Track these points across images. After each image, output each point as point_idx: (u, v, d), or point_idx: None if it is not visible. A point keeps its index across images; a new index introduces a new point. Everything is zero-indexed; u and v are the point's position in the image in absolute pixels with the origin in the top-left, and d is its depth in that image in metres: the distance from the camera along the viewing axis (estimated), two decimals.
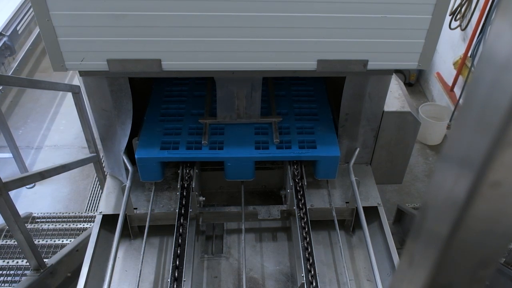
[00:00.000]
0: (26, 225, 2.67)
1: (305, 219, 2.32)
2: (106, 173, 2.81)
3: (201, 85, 2.92)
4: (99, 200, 2.65)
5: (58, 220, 3.91)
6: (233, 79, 2.47)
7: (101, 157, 3.97)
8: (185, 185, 2.45)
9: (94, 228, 2.45)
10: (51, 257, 2.85)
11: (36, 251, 2.53)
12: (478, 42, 4.30)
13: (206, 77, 2.82)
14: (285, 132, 2.57)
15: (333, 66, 2.16)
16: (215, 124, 2.65)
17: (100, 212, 2.51)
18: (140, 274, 2.19)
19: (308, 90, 2.90)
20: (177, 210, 2.34)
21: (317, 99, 2.82)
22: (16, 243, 3.01)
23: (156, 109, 2.71)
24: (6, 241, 3.35)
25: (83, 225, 3.66)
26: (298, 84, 2.94)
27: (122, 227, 2.27)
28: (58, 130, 5.16)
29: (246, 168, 2.53)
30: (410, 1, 1.97)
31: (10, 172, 4.46)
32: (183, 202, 2.37)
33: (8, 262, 2.96)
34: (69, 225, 3.64)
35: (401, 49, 2.13)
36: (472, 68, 4.46)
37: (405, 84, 5.24)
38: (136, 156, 2.39)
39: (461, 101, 4.67)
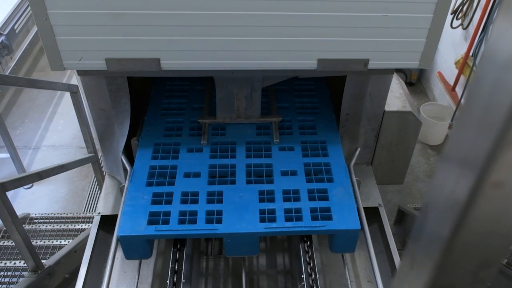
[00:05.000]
0: (23, 225, 2.65)
1: None
2: (104, 173, 2.79)
3: (198, 110, 2.70)
4: (98, 200, 2.63)
5: (56, 220, 3.89)
6: (233, 79, 2.45)
7: (99, 157, 3.95)
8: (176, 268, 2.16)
9: (93, 229, 2.43)
10: (49, 258, 2.83)
11: (34, 252, 2.51)
12: (480, 41, 4.28)
13: (203, 103, 2.71)
14: (295, 198, 2.18)
15: (333, 66, 2.14)
16: (214, 123, 2.62)
17: (99, 213, 2.50)
18: (138, 276, 2.17)
19: (315, 121, 2.64)
20: None
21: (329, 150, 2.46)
22: (13, 244, 2.99)
23: (146, 163, 2.36)
24: (4, 242, 3.33)
25: (81, 225, 3.63)
26: (304, 113, 2.69)
27: None
28: (56, 130, 5.14)
29: (250, 244, 2.12)
30: None
31: (7, 172, 4.43)
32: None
33: (5, 263, 2.94)
34: (67, 226, 3.62)
35: (402, 48, 2.11)
36: (474, 68, 4.44)
37: (406, 83, 5.22)
38: (118, 234, 2.04)
39: (462, 100, 4.65)
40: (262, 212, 2.11)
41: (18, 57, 5.53)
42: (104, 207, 2.54)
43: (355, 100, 2.49)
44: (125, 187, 2.27)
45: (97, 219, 2.47)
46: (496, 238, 0.49)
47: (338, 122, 2.62)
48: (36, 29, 1.98)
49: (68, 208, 4.24)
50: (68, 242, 3.24)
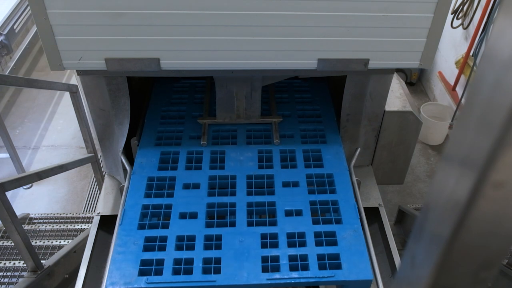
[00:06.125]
0: (23, 226, 2.64)
1: None
2: (104, 173, 2.78)
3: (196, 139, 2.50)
4: (97, 200, 2.62)
5: (55, 221, 3.88)
6: (233, 79, 2.44)
7: (99, 157, 3.95)
8: None
9: (92, 229, 2.43)
10: (48, 258, 2.83)
11: (33, 252, 2.50)
12: (480, 41, 4.28)
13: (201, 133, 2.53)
14: (300, 243, 2.01)
15: (333, 65, 2.14)
16: (213, 125, 2.61)
17: (98, 213, 2.49)
18: None
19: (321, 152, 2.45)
20: None
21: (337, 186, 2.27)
22: (13, 244, 2.98)
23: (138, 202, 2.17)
24: (3, 242, 3.32)
25: (81, 226, 3.63)
26: (310, 142, 2.52)
27: None
28: (56, 130, 5.13)
29: None
30: None
31: (7, 172, 4.43)
32: None
33: (5, 264, 2.93)
34: (67, 226, 3.62)
35: (402, 48, 2.11)
36: (474, 67, 4.44)
37: (406, 83, 5.22)
38: (106, 287, 1.86)
39: (463, 100, 4.65)
40: (264, 259, 1.93)
41: (17, 57, 5.52)
42: (103, 207, 2.53)
43: (356, 100, 2.48)
44: (115, 229, 2.07)
45: (96, 219, 2.47)
46: (496, 239, 0.49)
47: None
48: (36, 28, 1.98)
49: (68, 208, 4.24)
50: (68, 242, 3.23)
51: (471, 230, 0.48)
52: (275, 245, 1.99)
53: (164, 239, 2.00)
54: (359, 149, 2.67)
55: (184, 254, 1.94)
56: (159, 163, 2.36)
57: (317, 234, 2.03)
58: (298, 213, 2.13)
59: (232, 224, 2.07)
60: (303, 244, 2.00)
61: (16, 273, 2.94)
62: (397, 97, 2.68)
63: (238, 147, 2.47)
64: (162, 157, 2.40)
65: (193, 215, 2.10)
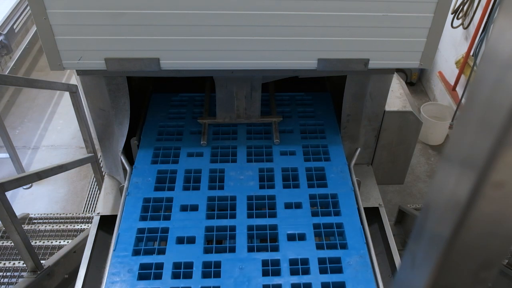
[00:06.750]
0: (22, 226, 2.64)
1: None
2: (103, 173, 2.78)
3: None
4: (97, 201, 2.62)
5: (55, 221, 3.88)
6: (233, 79, 2.44)
7: (98, 157, 3.94)
8: None
9: (92, 229, 2.42)
10: (48, 258, 2.82)
11: (33, 252, 2.50)
12: (481, 41, 4.27)
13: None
14: (304, 270, 1.92)
15: (333, 65, 2.14)
16: (214, 125, 2.61)
17: (98, 213, 2.49)
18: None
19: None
20: None
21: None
22: (12, 244, 2.98)
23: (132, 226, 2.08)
24: (3, 242, 3.32)
25: (81, 226, 3.62)
26: (313, 159, 2.43)
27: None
28: (55, 130, 5.13)
29: None
30: None
31: (6, 172, 4.42)
32: None
33: (4, 264, 2.93)
34: (67, 226, 3.61)
35: (402, 47, 2.11)
36: (475, 67, 4.44)
37: (406, 83, 5.21)
38: None
39: (463, 100, 4.64)
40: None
41: (17, 56, 5.52)
42: (103, 207, 2.53)
43: (356, 100, 2.48)
44: (109, 255, 1.99)
45: (96, 219, 2.46)
46: (496, 239, 0.49)
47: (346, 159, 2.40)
48: (35, 28, 1.98)
49: (67, 208, 4.23)
50: (68, 242, 3.22)
51: (471, 230, 0.48)
52: (277, 273, 1.90)
53: (160, 266, 1.91)
54: (359, 149, 2.67)
55: (181, 283, 1.85)
56: (156, 183, 2.27)
57: (321, 261, 1.92)
58: (301, 237, 2.03)
59: (232, 250, 1.98)
60: (306, 271, 1.90)
61: (16, 273, 2.94)
62: (397, 97, 2.67)
63: (238, 164, 2.38)
64: (158, 176, 2.31)
65: (191, 240, 2.01)
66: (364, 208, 2.39)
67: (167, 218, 2.11)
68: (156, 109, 2.72)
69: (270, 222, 2.09)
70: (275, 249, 1.98)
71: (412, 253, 0.58)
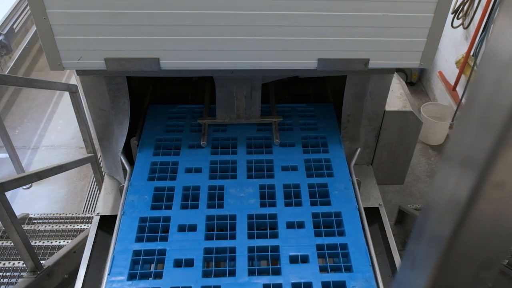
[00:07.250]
0: (22, 226, 2.63)
1: None
2: (103, 173, 2.77)
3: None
4: (97, 201, 2.62)
5: (55, 221, 3.88)
6: (233, 79, 2.44)
7: (98, 157, 3.94)
8: None
9: (92, 229, 2.42)
10: (48, 258, 2.82)
11: (32, 253, 2.49)
12: (481, 41, 4.27)
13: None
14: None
15: (333, 65, 2.13)
16: (215, 124, 2.60)
17: (98, 213, 2.49)
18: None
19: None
20: None
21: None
22: (12, 244, 2.98)
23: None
24: (3, 243, 3.31)
25: (81, 226, 3.62)
26: (315, 175, 2.36)
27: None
28: (55, 130, 5.12)
29: None
30: None
31: (6, 172, 4.42)
32: None
33: (4, 264, 2.92)
34: (66, 226, 3.61)
35: (402, 47, 2.10)
36: (475, 67, 4.43)
37: (406, 83, 5.21)
38: None
39: (463, 100, 4.64)
40: None
41: (17, 56, 5.52)
42: (103, 207, 2.53)
43: (356, 100, 2.48)
44: (104, 279, 1.91)
45: (96, 220, 2.46)
46: (497, 239, 0.49)
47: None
48: (35, 28, 1.97)
49: (67, 208, 4.23)
50: (67, 242, 3.22)
51: (471, 230, 0.48)
52: None
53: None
54: (359, 149, 2.67)
55: None
56: (152, 201, 2.20)
57: (325, 285, 1.84)
58: (304, 259, 1.95)
59: (232, 273, 1.89)
60: None
61: (15, 274, 2.94)
62: (397, 97, 2.67)
63: (238, 181, 2.29)
64: (155, 194, 2.23)
65: (189, 263, 1.92)
66: (364, 208, 2.39)
67: (164, 239, 2.02)
68: (153, 122, 2.63)
69: (272, 243, 2.00)
70: (277, 272, 1.90)
71: (412, 253, 0.58)
